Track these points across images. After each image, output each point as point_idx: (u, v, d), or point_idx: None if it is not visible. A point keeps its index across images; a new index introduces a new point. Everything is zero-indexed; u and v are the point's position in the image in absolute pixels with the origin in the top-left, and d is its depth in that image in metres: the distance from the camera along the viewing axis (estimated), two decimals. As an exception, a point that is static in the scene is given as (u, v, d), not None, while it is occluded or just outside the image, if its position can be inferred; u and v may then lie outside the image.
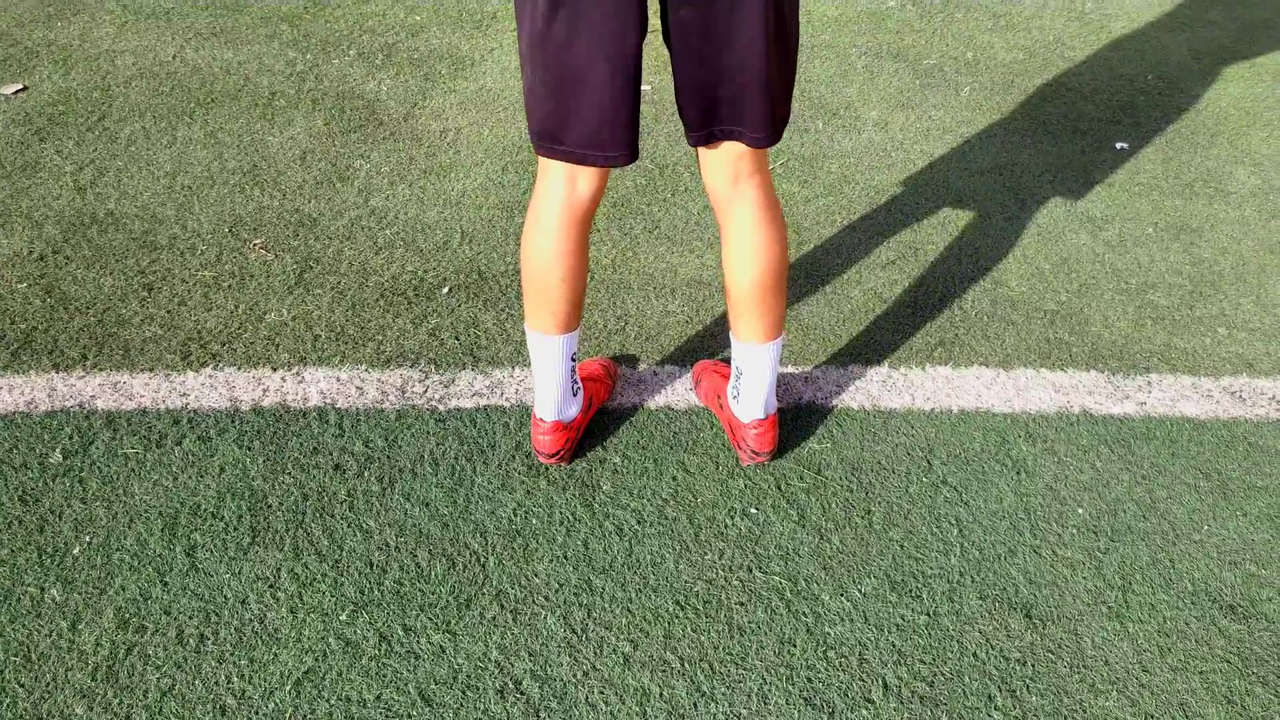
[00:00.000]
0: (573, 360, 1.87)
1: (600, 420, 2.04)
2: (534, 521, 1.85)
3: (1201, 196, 2.73)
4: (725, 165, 1.71)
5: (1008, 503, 1.89)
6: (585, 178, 1.70)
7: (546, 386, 1.86)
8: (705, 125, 1.66)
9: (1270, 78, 3.28)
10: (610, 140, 1.63)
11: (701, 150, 1.73)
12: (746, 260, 1.76)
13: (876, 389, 2.14)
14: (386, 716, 1.54)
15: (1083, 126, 3.03)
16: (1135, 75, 3.29)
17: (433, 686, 1.59)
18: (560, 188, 1.71)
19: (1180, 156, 2.89)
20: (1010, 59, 3.35)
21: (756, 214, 1.73)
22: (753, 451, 1.93)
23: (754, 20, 1.53)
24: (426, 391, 2.11)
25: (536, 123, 1.66)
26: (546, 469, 1.95)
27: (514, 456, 1.97)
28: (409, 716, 1.55)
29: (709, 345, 2.24)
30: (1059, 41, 3.45)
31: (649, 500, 1.89)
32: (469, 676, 1.60)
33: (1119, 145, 2.91)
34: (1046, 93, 3.20)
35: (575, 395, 1.92)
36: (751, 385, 1.87)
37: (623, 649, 1.65)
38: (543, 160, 1.72)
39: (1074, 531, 1.84)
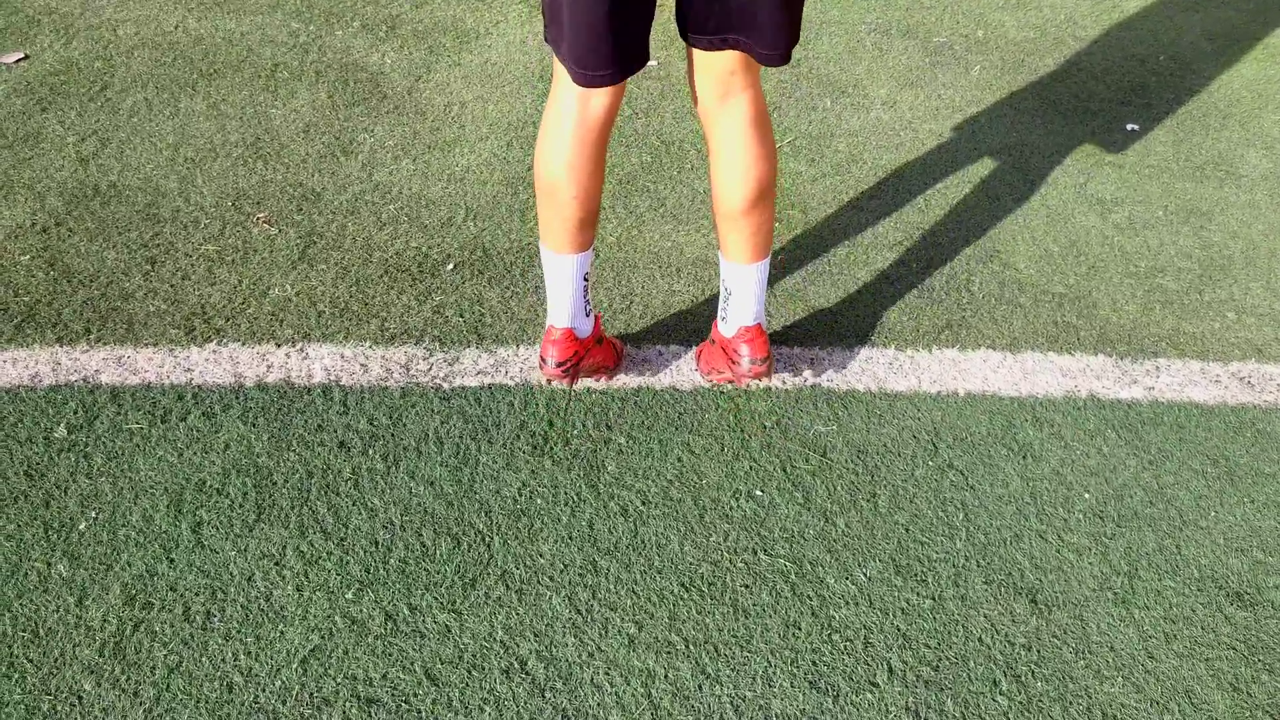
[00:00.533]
0: (585, 280, 1.87)
1: (605, 400, 2.03)
2: (539, 501, 1.85)
3: (1212, 179, 2.71)
4: (719, 79, 1.70)
5: (1014, 487, 1.89)
6: (598, 94, 1.68)
7: (560, 297, 1.86)
8: (714, 31, 1.62)
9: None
10: (596, 60, 1.61)
11: (698, 59, 1.69)
12: (735, 175, 1.74)
13: (883, 371, 2.13)
14: (393, 695, 1.55)
15: (1094, 107, 3.00)
16: (1147, 56, 3.26)
17: (438, 666, 1.59)
18: (572, 102, 1.69)
19: (1191, 139, 2.87)
20: (1021, 37, 3.32)
21: (746, 128, 1.72)
22: (750, 361, 1.89)
23: None
24: (431, 369, 2.10)
25: (549, 30, 1.67)
26: (551, 448, 1.94)
27: (519, 435, 1.96)
28: (415, 695, 1.55)
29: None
30: (1071, 20, 3.41)
31: (654, 481, 1.89)
32: (474, 656, 1.61)
33: (1130, 126, 2.89)
34: (1058, 72, 3.17)
35: (588, 315, 1.93)
36: (740, 302, 1.88)
37: (628, 630, 1.65)
38: (556, 72, 1.70)
39: (1080, 517, 1.84)
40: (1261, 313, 2.28)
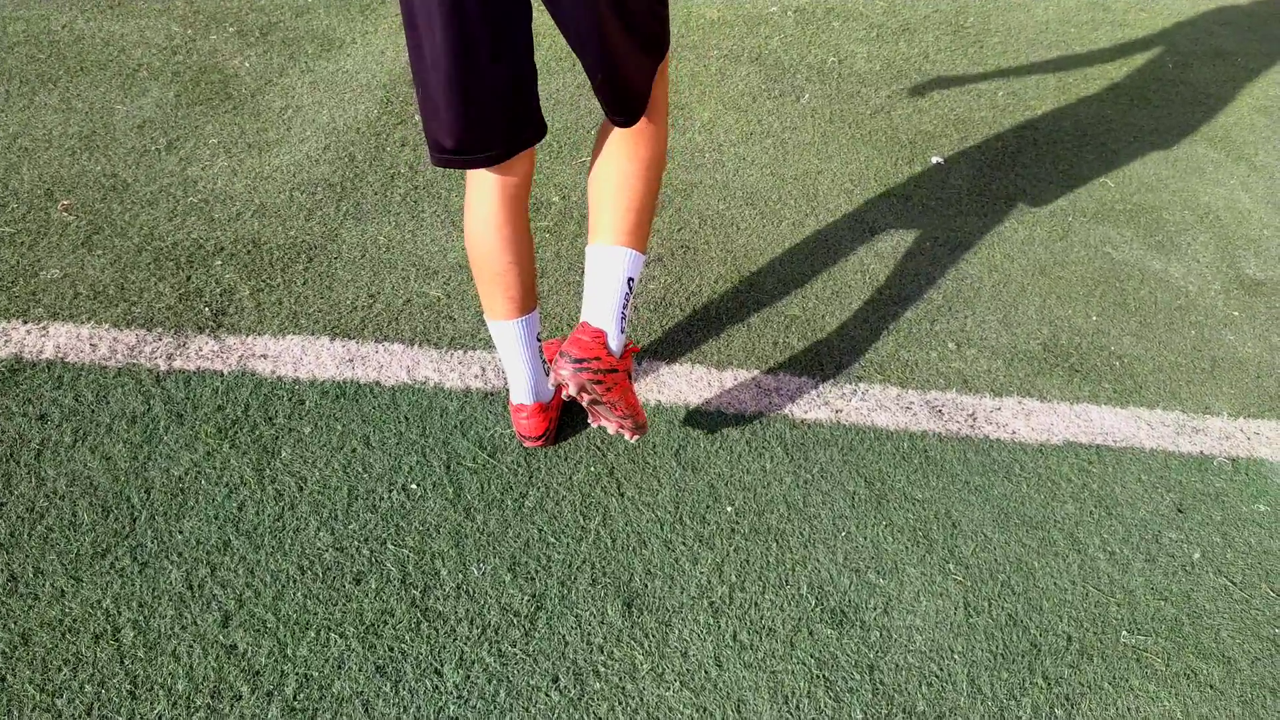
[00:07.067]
0: (538, 340, 1.89)
1: (302, 390, 2.09)
2: (202, 482, 1.91)
3: (999, 213, 2.71)
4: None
5: (662, 495, 1.91)
6: (508, 165, 1.68)
7: (517, 371, 1.89)
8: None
9: (1127, 100, 3.22)
10: (476, 141, 1.60)
11: None
12: (609, 159, 1.73)
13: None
14: (-29, 649, 1.62)
15: (905, 139, 3.01)
16: (985, 91, 3.26)
17: (36, 628, 1.66)
18: (488, 178, 1.70)
19: (993, 174, 2.86)
20: (866, 69, 3.34)
21: (631, 136, 1.71)
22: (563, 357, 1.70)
23: (590, 18, 1.51)
24: (155, 352, 2.18)
25: (428, 134, 1.64)
26: (235, 433, 2.01)
27: (211, 419, 2.03)
28: (3, 654, 1.62)
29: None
30: (923, 55, 3.42)
31: (321, 469, 1.95)
32: (75, 620, 1.67)
33: (935, 160, 2.89)
34: (885, 103, 3.18)
35: (548, 374, 1.95)
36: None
37: (227, 606, 1.70)
38: None
39: (713, 528, 1.85)
40: (985, 345, 2.28)
